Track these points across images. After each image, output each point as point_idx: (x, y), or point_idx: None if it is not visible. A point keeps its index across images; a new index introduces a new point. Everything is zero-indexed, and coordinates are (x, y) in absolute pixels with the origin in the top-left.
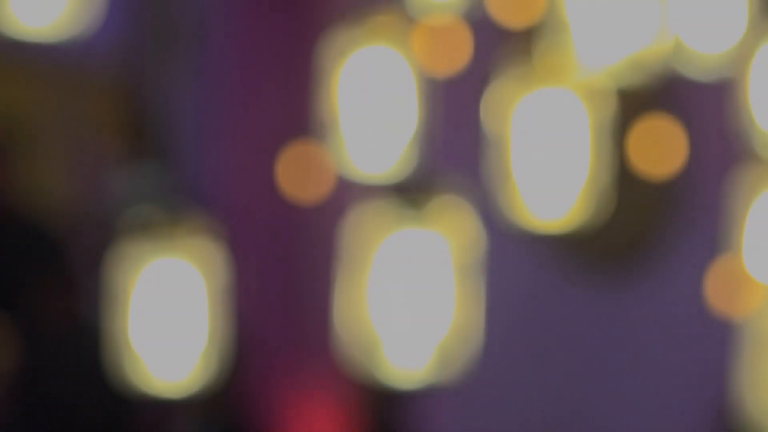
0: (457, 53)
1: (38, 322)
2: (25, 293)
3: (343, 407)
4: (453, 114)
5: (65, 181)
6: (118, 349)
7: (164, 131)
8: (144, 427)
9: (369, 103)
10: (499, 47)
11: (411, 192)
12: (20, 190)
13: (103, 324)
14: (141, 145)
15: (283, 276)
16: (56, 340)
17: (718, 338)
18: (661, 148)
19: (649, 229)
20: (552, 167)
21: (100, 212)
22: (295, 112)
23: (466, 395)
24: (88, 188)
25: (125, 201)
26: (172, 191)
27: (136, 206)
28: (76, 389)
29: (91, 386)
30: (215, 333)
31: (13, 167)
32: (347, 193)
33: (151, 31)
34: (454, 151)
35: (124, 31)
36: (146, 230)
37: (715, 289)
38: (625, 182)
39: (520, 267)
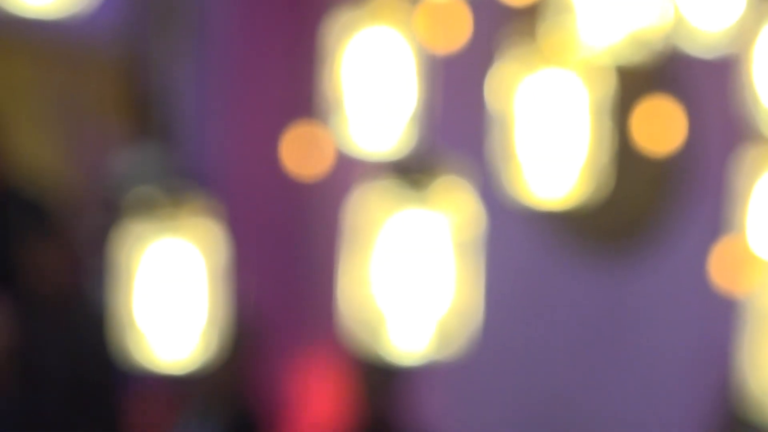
0: (458, 32)
1: (39, 299)
2: (26, 270)
3: (345, 385)
4: (454, 92)
5: (67, 160)
6: (120, 327)
7: (166, 111)
8: (145, 404)
9: (371, 82)
10: (500, 25)
11: (413, 172)
12: (21, 168)
13: (106, 302)
14: (143, 124)
15: (286, 255)
16: (57, 317)
17: (721, 317)
18: (663, 127)
19: (651, 207)
20: (553, 146)
21: (103, 192)
22: (297, 91)
23: (466, 373)
24: (91, 168)
25: (127, 181)
26: (174, 171)
27: (138, 186)
28: (77, 366)
29: (93, 363)
30: (216, 312)
31: (13, 145)
32: (349, 172)
33: (152, 10)
34: (455, 130)
35: (126, 9)
36: (148, 210)
37: (718, 268)
38: (628, 161)
39: (521, 246)
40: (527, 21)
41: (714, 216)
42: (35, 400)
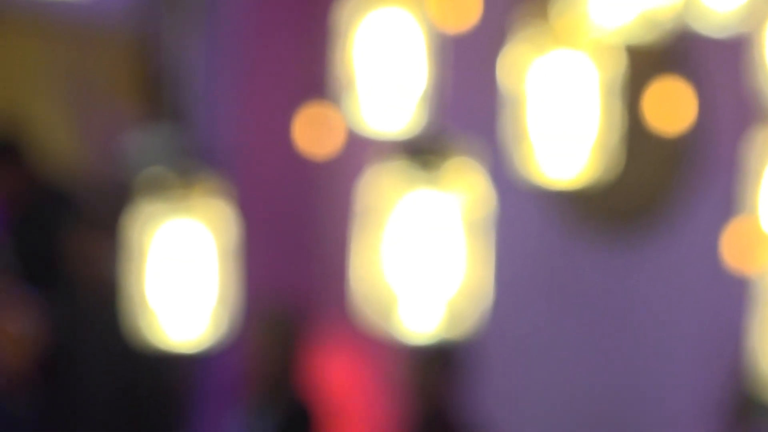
0: (469, 12)
1: (81, 290)
2: (66, 262)
3: (358, 363)
4: (465, 72)
5: (80, 140)
6: (133, 306)
7: (178, 91)
8: (199, 395)
9: (383, 62)
10: (511, 6)
11: (424, 153)
12: (49, 157)
13: (120, 282)
14: (155, 105)
15: (298, 234)
16: (85, 300)
17: (733, 297)
18: (674, 107)
19: (663, 188)
20: (564, 126)
21: (115, 172)
22: (308, 71)
23: (478, 351)
24: (103, 148)
25: (139, 161)
26: (186, 152)
27: (150, 167)
28: (103, 348)
29: (115, 344)
30: (227, 291)
31: (28, 131)
32: (361, 152)
33: None
34: (466, 110)
35: None
36: (159, 191)
37: (730, 248)
38: (639, 141)
39: (533, 226)
40: (538, 1)
41: (725, 196)
42: (80, 389)
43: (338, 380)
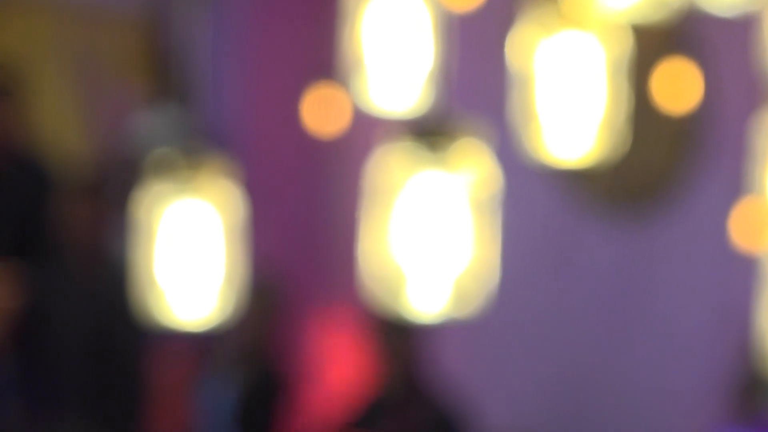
0: None
1: (63, 260)
2: (50, 231)
3: (366, 343)
4: (473, 52)
5: (88, 120)
6: (141, 285)
7: (185, 71)
8: (168, 361)
9: (390, 41)
10: None
11: (431, 134)
12: (42, 129)
13: (128, 260)
14: (162, 85)
15: (306, 214)
16: (81, 276)
17: (740, 276)
18: (681, 86)
19: (671, 166)
20: (572, 105)
21: (123, 152)
22: (316, 51)
23: (485, 332)
24: (111, 128)
25: (147, 141)
26: (193, 132)
27: (158, 147)
28: (99, 323)
29: (116, 320)
30: (233, 270)
31: (35, 107)
32: (368, 132)
33: None
34: (474, 89)
35: None
36: (167, 171)
37: (737, 227)
38: (646, 120)
39: (541, 206)
40: None
41: (733, 175)
42: (57, 356)
43: (342, 353)
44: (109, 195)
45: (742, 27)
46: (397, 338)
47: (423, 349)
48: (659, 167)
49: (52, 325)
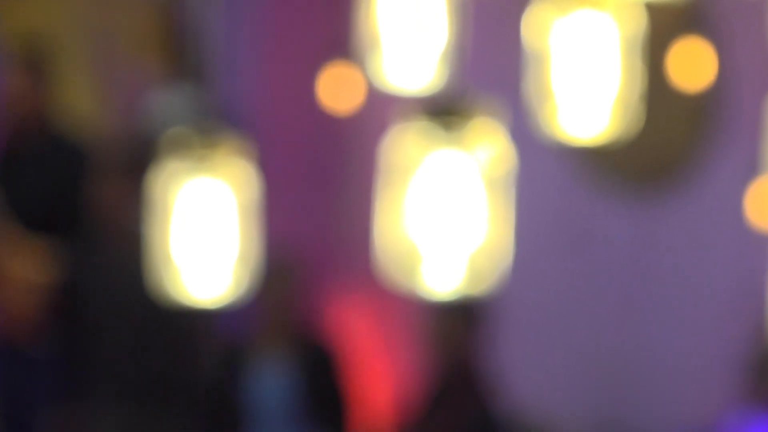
0: None
1: (97, 239)
2: (85, 211)
3: (380, 316)
4: (488, 30)
5: (104, 100)
6: (157, 262)
7: (200, 51)
8: (213, 343)
9: (406, 19)
10: None
11: (445, 113)
12: (63, 108)
13: (143, 237)
14: (178, 64)
15: (321, 192)
16: (117, 255)
17: (755, 252)
18: (696, 65)
19: (687, 145)
20: (587, 84)
21: (138, 130)
22: (331, 29)
23: (500, 309)
24: (126, 107)
25: (162, 120)
26: (208, 111)
27: (173, 126)
28: (122, 297)
29: (133, 293)
30: (248, 249)
31: (52, 85)
32: (383, 111)
33: None
34: (488, 67)
35: None
36: (182, 150)
37: (753, 205)
38: (661, 99)
39: (555, 183)
40: None
41: (748, 154)
42: (92, 336)
43: (360, 333)
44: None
45: (757, 6)
46: (447, 324)
47: (472, 333)
48: (675, 146)
49: (86, 305)
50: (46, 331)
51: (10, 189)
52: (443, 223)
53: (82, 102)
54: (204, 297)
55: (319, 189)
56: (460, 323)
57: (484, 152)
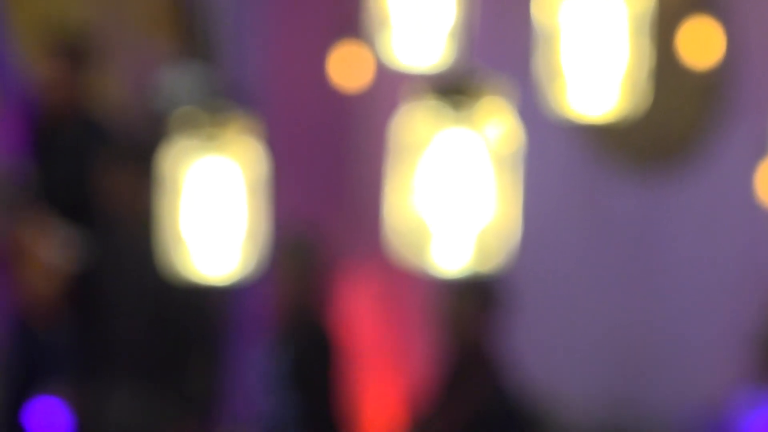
0: None
1: (115, 223)
2: (102, 195)
3: (391, 296)
4: (497, 8)
5: (114, 78)
6: (168, 240)
7: (210, 30)
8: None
9: None
10: None
11: (454, 92)
12: (86, 91)
13: (154, 216)
14: (187, 43)
15: (329, 170)
16: (121, 232)
17: (765, 231)
18: (706, 43)
19: (696, 122)
20: (596, 61)
21: (148, 109)
22: (340, 7)
23: (509, 285)
24: (136, 86)
25: (171, 99)
26: (217, 90)
27: (182, 106)
28: (137, 278)
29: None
30: (259, 226)
31: (88, 71)
32: (392, 89)
33: None
34: (497, 44)
35: None
36: (192, 129)
37: (762, 181)
38: (671, 76)
39: (564, 161)
40: None
41: (757, 130)
42: (110, 320)
43: (370, 312)
44: (137, 154)
45: None
46: (461, 304)
47: (486, 314)
48: (684, 124)
49: (101, 287)
50: (63, 314)
51: (43, 174)
52: (452, 201)
53: (100, 83)
54: (214, 274)
55: (329, 167)
56: (474, 304)
57: (492, 131)
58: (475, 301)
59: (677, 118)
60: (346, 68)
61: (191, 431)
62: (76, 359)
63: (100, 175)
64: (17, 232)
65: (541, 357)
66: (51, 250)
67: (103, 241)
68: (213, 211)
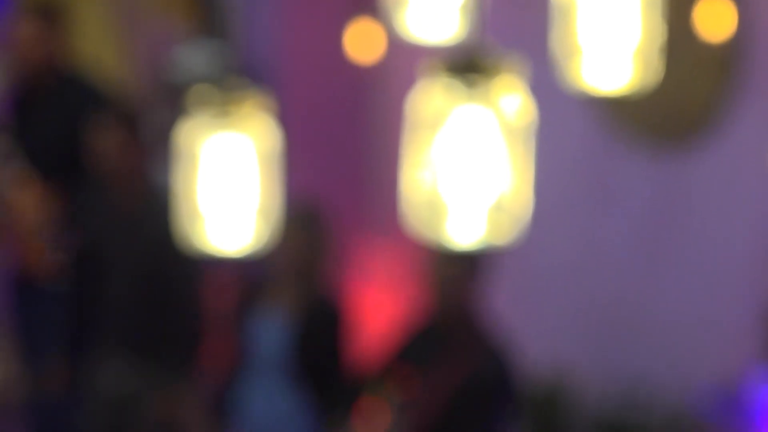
0: None
1: (106, 186)
2: (93, 157)
3: (406, 268)
4: None
5: (130, 55)
6: (182, 214)
7: (225, 7)
8: (219, 291)
9: None
10: None
11: (468, 68)
12: (85, 58)
13: (171, 190)
14: (202, 21)
15: (346, 148)
16: (126, 204)
17: None
18: (721, 16)
19: (710, 95)
20: (610, 34)
21: (163, 85)
22: None
23: (522, 260)
24: (151, 63)
25: (186, 76)
26: (232, 67)
27: (197, 82)
28: (146, 252)
29: (162, 249)
30: (272, 200)
31: (62, 31)
32: (408, 64)
33: None
34: (510, 17)
35: None
36: (206, 105)
37: None
38: (685, 49)
39: (579, 135)
40: None
41: None
42: (106, 289)
43: (383, 284)
44: (147, 124)
45: None
46: (448, 269)
47: (474, 280)
48: (697, 97)
49: (99, 257)
50: (59, 269)
51: (25, 133)
52: (466, 175)
53: (106, 54)
54: (227, 247)
55: (344, 142)
56: (461, 270)
57: (506, 107)
58: (462, 267)
59: (691, 93)
60: (361, 43)
61: (179, 398)
62: (70, 312)
63: (89, 135)
64: (2, 190)
65: (551, 333)
66: (38, 206)
67: (91, 200)
68: (226, 186)
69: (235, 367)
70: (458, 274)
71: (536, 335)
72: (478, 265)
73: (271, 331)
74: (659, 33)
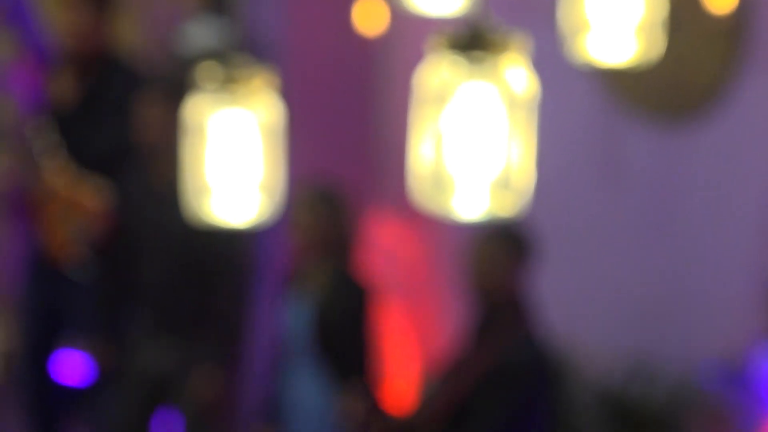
0: None
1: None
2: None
3: (413, 243)
4: None
5: (141, 35)
6: (190, 188)
7: None
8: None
9: None
10: None
11: (472, 45)
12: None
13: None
14: None
15: (353, 122)
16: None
17: None
18: None
19: (715, 70)
20: (615, 6)
21: (169, 63)
22: None
23: (529, 234)
24: (157, 40)
25: (193, 52)
26: (238, 44)
27: (204, 58)
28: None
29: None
30: (277, 175)
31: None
32: (414, 38)
33: None
34: None
35: None
36: (212, 82)
37: None
38: (690, 22)
39: (584, 109)
40: None
41: None
42: (142, 264)
43: (393, 260)
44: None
45: None
46: (489, 249)
47: (517, 262)
48: (703, 70)
49: (134, 234)
50: (93, 260)
51: (73, 128)
52: (472, 150)
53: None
54: (232, 220)
55: (351, 116)
56: (505, 251)
57: (511, 83)
58: (506, 249)
59: (696, 66)
60: (367, 17)
61: (217, 377)
62: (102, 305)
63: (135, 112)
64: (47, 181)
65: (559, 308)
66: (88, 196)
67: (135, 185)
68: (232, 160)
69: (271, 350)
70: (500, 255)
71: (543, 308)
72: (521, 247)
73: (297, 312)
74: (663, 6)
